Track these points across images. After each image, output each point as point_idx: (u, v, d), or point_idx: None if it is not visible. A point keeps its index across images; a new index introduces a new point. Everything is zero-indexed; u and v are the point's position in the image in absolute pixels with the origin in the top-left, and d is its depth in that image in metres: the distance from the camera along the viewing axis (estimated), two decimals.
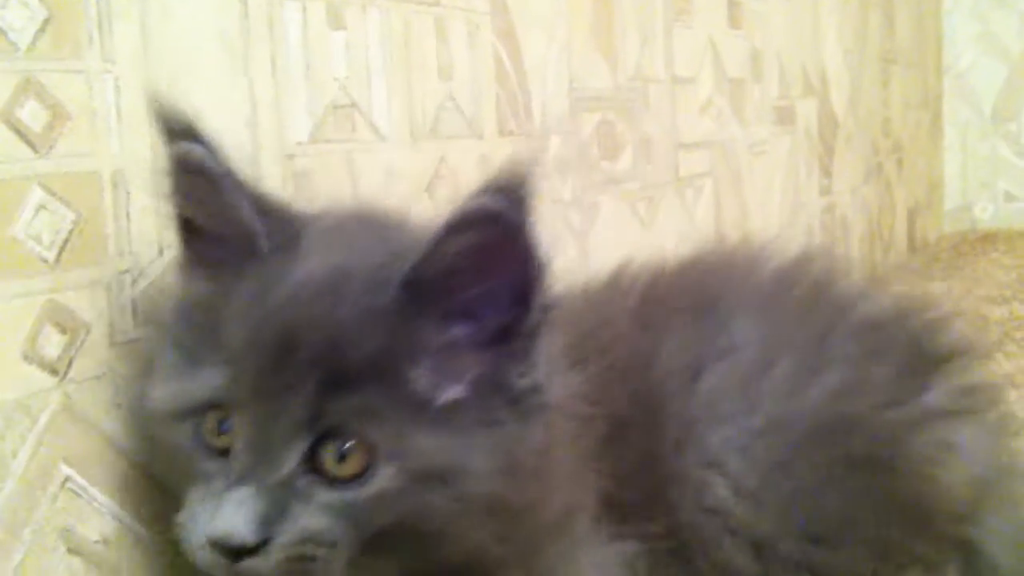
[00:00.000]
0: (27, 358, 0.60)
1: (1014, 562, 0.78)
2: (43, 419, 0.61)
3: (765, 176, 1.77)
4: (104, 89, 0.64)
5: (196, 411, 0.56)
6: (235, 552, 0.52)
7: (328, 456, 0.54)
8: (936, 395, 0.78)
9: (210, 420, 0.55)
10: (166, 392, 0.57)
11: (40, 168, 0.60)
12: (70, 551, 0.62)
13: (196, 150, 0.56)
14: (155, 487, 0.66)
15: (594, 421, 0.65)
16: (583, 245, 1.21)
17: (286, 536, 0.53)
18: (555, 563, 0.64)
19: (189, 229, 0.61)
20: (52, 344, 0.61)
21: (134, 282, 0.67)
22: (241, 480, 0.53)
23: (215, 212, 0.58)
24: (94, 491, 0.64)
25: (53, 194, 0.61)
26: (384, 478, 0.54)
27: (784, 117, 1.85)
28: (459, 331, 0.57)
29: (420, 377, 0.55)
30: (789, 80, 1.88)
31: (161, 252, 0.68)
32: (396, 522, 0.54)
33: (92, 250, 0.64)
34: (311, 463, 0.54)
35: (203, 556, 0.53)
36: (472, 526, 0.56)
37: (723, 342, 0.78)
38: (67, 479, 0.62)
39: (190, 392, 0.56)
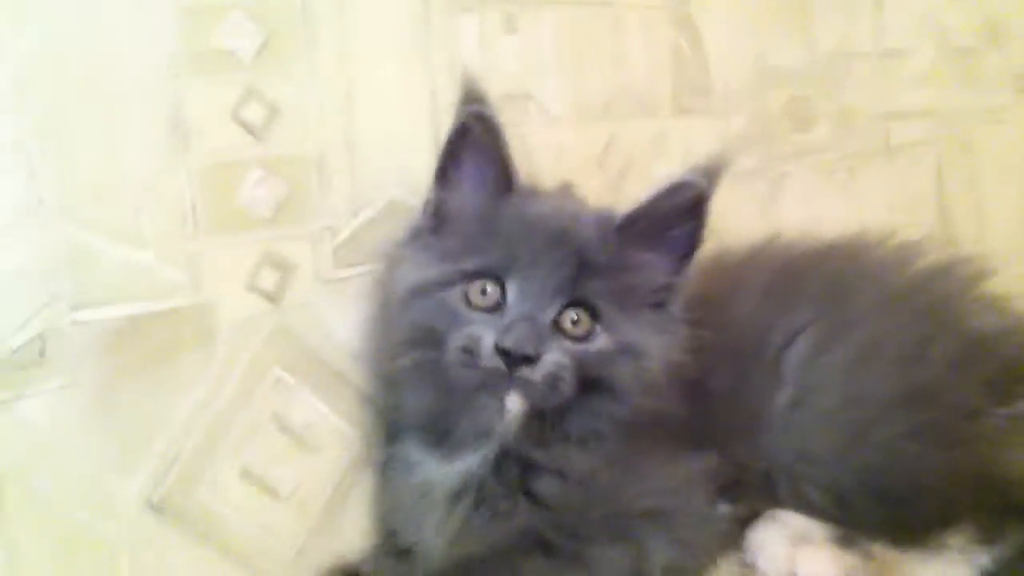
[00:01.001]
0: (250, 289, 0.83)
1: None
2: (262, 334, 0.84)
3: (1003, 146, 1.76)
4: (310, 90, 0.86)
5: (468, 277, 0.78)
6: (517, 359, 0.74)
7: (568, 317, 0.78)
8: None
9: (478, 284, 0.78)
10: (435, 271, 0.80)
11: (259, 152, 0.83)
12: (280, 429, 0.85)
13: (489, 108, 0.79)
14: (350, 388, 0.88)
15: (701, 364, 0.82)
16: (769, 214, 1.32)
17: (549, 357, 0.76)
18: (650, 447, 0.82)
19: (446, 179, 0.83)
20: (269, 280, 0.84)
21: (333, 236, 0.88)
22: (521, 317, 0.76)
23: (485, 158, 0.81)
24: (300, 388, 0.86)
25: (270, 170, 0.84)
26: (600, 341, 0.79)
27: None
28: (651, 261, 0.81)
29: (628, 284, 0.80)
30: None
31: (356, 214, 0.90)
32: (600, 375, 0.79)
33: (301, 212, 0.86)
34: (555, 324, 0.77)
35: (487, 360, 0.75)
36: (639, 388, 0.80)
37: (836, 328, 0.89)
38: (279, 379, 0.86)
39: (466, 266, 0.79)
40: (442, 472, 0.83)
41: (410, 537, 0.85)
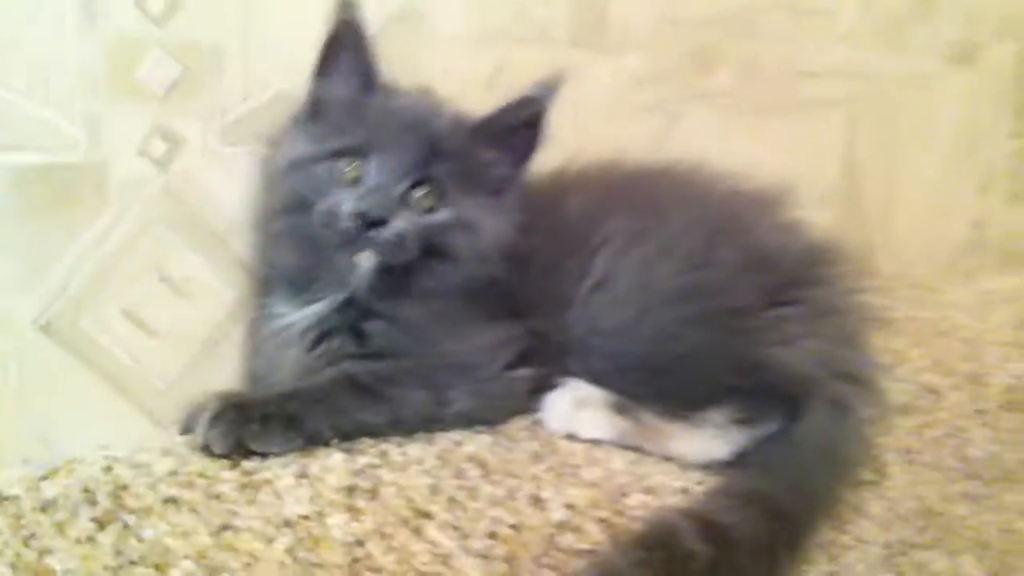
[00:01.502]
0: (141, 154, 0.99)
1: (817, 440, 0.94)
2: (149, 194, 1.00)
3: (925, 111, 1.88)
4: None
5: (336, 154, 0.94)
6: (369, 223, 0.91)
7: (417, 192, 0.94)
8: (795, 308, 1.00)
9: (344, 161, 0.94)
10: (309, 148, 0.95)
11: (159, 35, 0.99)
12: (160, 279, 1.02)
13: (358, 16, 0.96)
14: (227, 250, 1.04)
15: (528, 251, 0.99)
16: (664, 149, 1.45)
17: (396, 223, 0.92)
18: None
19: (323, 74, 0.99)
20: (159, 149, 1.00)
21: (223, 116, 1.04)
22: (375, 188, 0.92)
23: (354, 58, 0.97)
24: (181, 245, 1.03)
25: (167, 52, 0.99)
26: (442, 215, 0.95)
27: (962, 56, 1.93)
28: (495, 157, 0.99)
29: (471, 171, 0.97)
30: (977, 20, 1.94)
31: (245, 99, 1.05)
32: (440, 242, 0.95)
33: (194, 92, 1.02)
34: (405, 196, 0.93)
35: (344, 222, 0.92)
36: (472, 258, 0.97)
37: (644, 232, 1.04)
38: (162, 235, 1.02)
39: (334, 145, 0.94)
40: (298, 316, 0.99)
41: (270, 378, 1.01)
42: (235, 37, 1.02)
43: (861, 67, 1.73)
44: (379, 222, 0.92)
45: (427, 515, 0.84)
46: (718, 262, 1.00)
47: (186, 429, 0.94)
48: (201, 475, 0.85)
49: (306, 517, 0.81)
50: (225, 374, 1.05)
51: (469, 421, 0.97)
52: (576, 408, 0.98)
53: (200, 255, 1.02)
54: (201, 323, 1.04)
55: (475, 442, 0.96)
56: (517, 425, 1.00)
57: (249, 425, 0.86)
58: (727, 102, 1.52)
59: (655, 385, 0.98)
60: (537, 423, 1.01)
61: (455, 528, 0.83)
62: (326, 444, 0.90)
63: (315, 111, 0.99)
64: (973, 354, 1.34)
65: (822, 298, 1.01)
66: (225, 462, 0.87)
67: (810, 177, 1.69)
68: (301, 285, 0.99)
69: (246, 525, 0.79)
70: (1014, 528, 1.31)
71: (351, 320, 0.97)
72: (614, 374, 0.98)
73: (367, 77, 0.98)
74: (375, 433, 0.93)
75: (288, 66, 1.04)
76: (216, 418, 0.86)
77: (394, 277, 0.96)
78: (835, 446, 0.95)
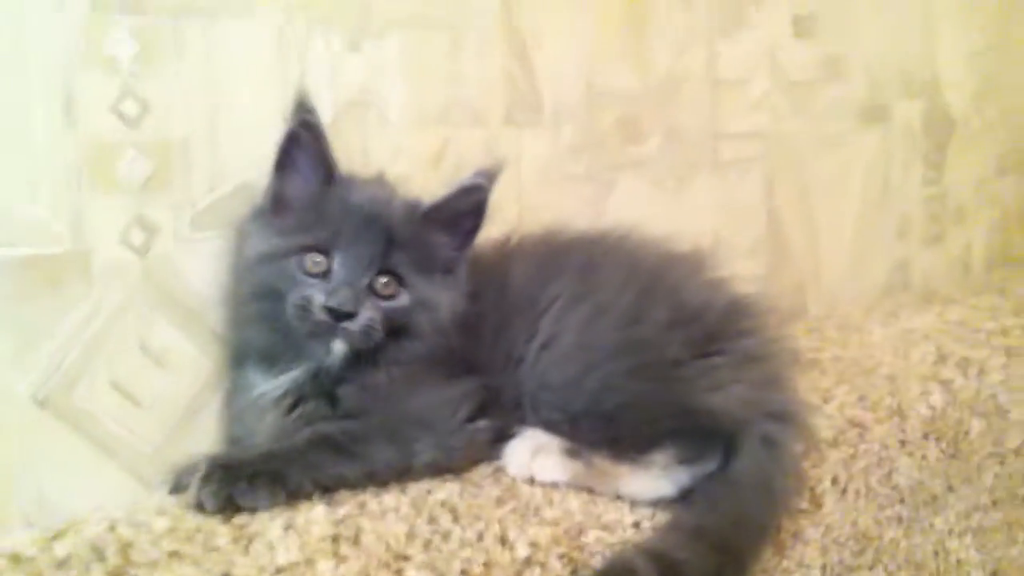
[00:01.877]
0: (122, 242, 1.09)
1: (752, 477, 1.05)
2: (131, 277, 1.09)
3: (840, 166, 2.03)
4: (177, 90, 1.12)
5: (303, 250, 1.03)
6: (340, 315, 1.01)
7: (380, 282, 1.04)
8: (723, 358, 1.13)
9: (310, 256, 1.03)
10: (276, 243, 1.04)
11: (133, 137, 1.09)
12: (142, 351, 1.11)
13: (315, 116, 1.05)
14: (200, 324, 1.14)
15: (480, 316, 1.10)
16: (598, 216, 1.57)
17: (365, 313, 1.02)
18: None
19: (282, 170, 1.07)
20: (138, 238, 1.10)
21: (192, 206, 1.14)
22: (343, 284, 1.02)
23: (313, 156, 1.06)
24: (159, 321, 1.12)
25: (141, 152, 1.09)
26: (403, 299, 1.05)
27: (872, 115, 2.09)
28: (444, 239, 1.09)
29: (425, 255, 1.06)
30: (882, 82, 2.11)
31: (212, 191, 1.15)
32: (403, 323, 1.06)
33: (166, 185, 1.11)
34: (370, 286, 1.02)
35: (318, 315, 1.02)
36: (432, 332, 1.08)
37: (582, 295, 1.16)
38: (142, 312, 1.11)
39: (300, 242, 1.03)
40: (271, 385, 1.09)
41: (250, 440, 1.10)
42: (201, 135, 1.11)
43: (775, 129, 1.86)
44: (349, 315, 1.03)
45: (406, 557, 0.93)
46: (649, 319, 1.11)
47: (174, 488, 1.03)
48: (198, 530, 0.93)
49: (296, 564, 0.89)
50: (206, 438, 1.14)
51: (436, 470, 1.07)
52: (533, 455, 1.08)
53: (178, 330, 1.11)
54: (182, 392, 1.12)
55: (444, 489, 1.05)
56: (481, 472, 1.10)
57: (237, 484, 0.95)
58: (655, 167, 1.64)
59: (602, 432, 1.09)
60: (499, 470, 1.10)
61: (432, 568, 0.92)
62: (308, 497, 1.00)
63: (277, 205, 1.09)
64: (895, 389, 1.46)
65: (746, 347, 1.14)
66: (218, 518, 0.95)
67: (739, 230, 1.82)
68: (272, 358, 1.09)
69: (243, 573, 0.87)
70: (945, 548, 1.43)
71: (323, 387, 1.07)
72: (565, 423, 1.09)
73: (325, 172, 1.08)
74: (352, 485, 1.02)
75: (249, 159, 1.14)
76: (206, 478, 0.95)
77: (362, 355, 1.07)
78: (769, 479, 1.06)
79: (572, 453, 1.08)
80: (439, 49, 1.34)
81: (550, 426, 1.10)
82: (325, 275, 1.03)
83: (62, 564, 0.88)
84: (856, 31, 1.99)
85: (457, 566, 0.94)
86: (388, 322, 1.03)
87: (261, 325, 1.07)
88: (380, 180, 1.15)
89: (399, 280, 1.05)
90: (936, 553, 1.47)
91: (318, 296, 1.01)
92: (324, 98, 1.21)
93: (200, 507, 0.94)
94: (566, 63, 1.51)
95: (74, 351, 1.05)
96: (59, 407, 1.05)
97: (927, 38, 2.18)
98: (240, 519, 0.96)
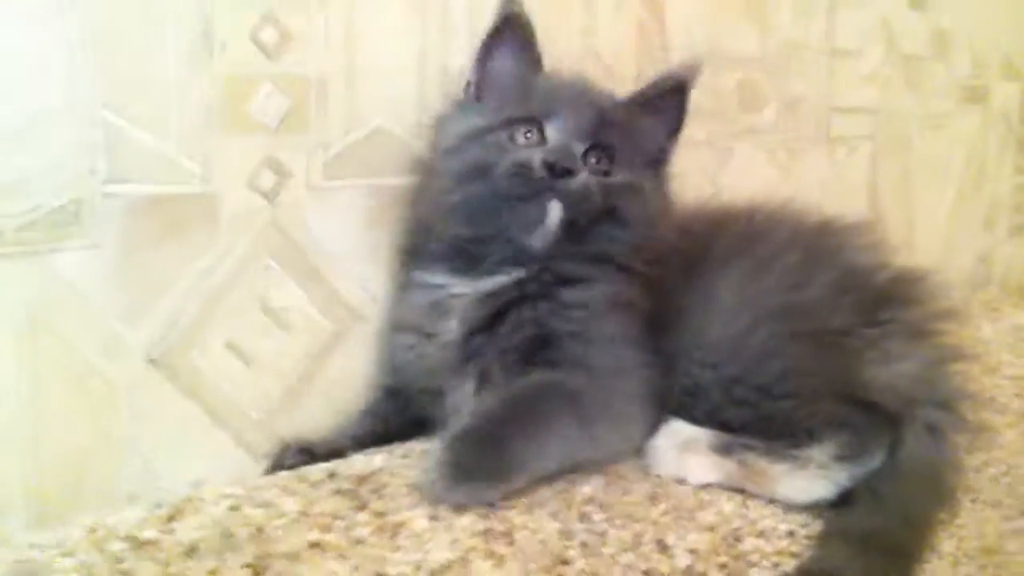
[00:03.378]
0: (251, 187, 0.99)
1: (920, 469, 0.97)
2: (257, 226, 0.99)
3: (942, 148, 1.94)
4: (319, 23, 1.01)
5: (514, 122, 0.99)
6: (560, 171, 0.95)
7: (592, 155, 0.99)
8: (894, 326, 1.03)
9: (522, 127, 0.99)
10: (484, 121, 1.00)
11: (271, 69, 0.98)
12: (262, 309, 1.01)
13: (520, 6, 1.01)
14: (325, 283, 1.04)
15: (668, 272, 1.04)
16: (715, 182, 1.48)
17: (583, 175, 0.97)
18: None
19: (483, 62, 1.03)
20: (268, 181, 1.00)
21: (325, 150, 1.03)
22: (560, 145, 0.97)
23: (520, 44, 1.02)
24: (284, 277, 1.02)
25: (277, 86, 0.99)
26: (616, 177, 1.00)
27: (973, 96, 2.00)
28: (649, 129, 1.04)
29: (633, 142, 1.02)
30: (984, 62, 2.01)
31: (347, 134, 1.05)
32: (615, 203, 0.99)
33: (300, 126, 1.01)
34: (584, 158, 0.98)
35: (538, 171, 0.95)
36: (641, 221, 1.01)
37: (738, 251, 1.07)
38: (268, 266, 1.01)
39: (510, 114, 0.99)
40: (466, 288, 1.01)
41: (413, 353, 1.03)
42: (339, 72, 1.01)
43: (883, 104, 1.78)
44: (568, 172, 0.96)
45: (565, 561, 0.84)
46: (816, 281, 1.03)
47: (276, 465, 0.95)
48: (335, 516, 0.85)
49: (452, 563, 0.81)
50: (317, 408, 1.04)
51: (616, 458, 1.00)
52: (682, 452, 0.99)
53: (301, 288, 1.02)
54: (298, 356, 1.02)
55: (589, 483, 0.97)
56: (625, 465, 1.01)
57: (498, 478, 0.88)
58: (771, 138, 1.55)
59: (757, 408, 0.99)
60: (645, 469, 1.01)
61: (593, 575, 0.83)
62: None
63: (480, 93, 1.03)
64: (1022, 391, 1.38)
65: (918, 318, 1.04)
66: (350, 501, 0.86)
67: (840, 208, 1.73)
68: (472, 259, 1.01)
69: (397, 572, 0.78)
70: None
71: (543, 286, 1.00)
72: (716, 390, 1.00)
73: (532, 59, 1.04)
74: (569, 471, 0.95)
75: (389, 102, 1.04)
76: (456, 476, 0.87)
77: (574, 233, 0.98)
78: (937, 473, 0.98)
79: (724, 449, 1.00)
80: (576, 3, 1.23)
81: (700, 404, 1.01)
82: (539, 144, 0.98)
83: (192, 551, 0.79)
84: (964, 4, 1.89)
85: (619, 572, 0.85)
86: (603, 196, 0.97)
87: (465, 212, 0.98)
88: (580, 75, 1.09)
89: (610, 158, 1.00)
90: None
91: (537, 154, 0.96)
92: (463, 43, 1.11)
93: (439, 500, 0.86)
94: (693, 22, 1.40)
95: (193, 306, 0.95)
96: (172, 366, 0.95)
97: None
98: (376, 502, 0.87)
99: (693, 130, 1.38)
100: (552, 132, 0.98)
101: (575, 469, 0.95)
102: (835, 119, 1.69)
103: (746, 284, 1.03)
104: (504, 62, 1.01)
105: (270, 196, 0.98)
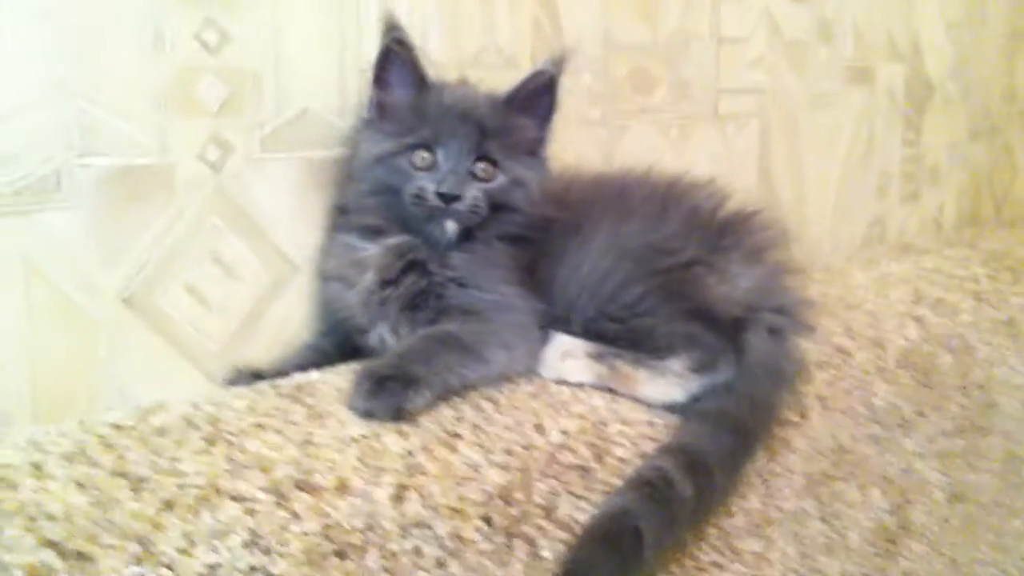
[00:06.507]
0: (199, 159, 1.22)
1: (763, 360, 1.19)
2: (206, 191, 1.22)
3: (828, 124, 2.17)
4: (252, 25, 1.24)
5: (412, 148, 1.18)
6: (449, 199, 1.16)
7: (479, 167, 1.19)
8: (733, 253, 1.29)
9: (418, 153, 1.18)
10: (387, 146, 1.19)
11: (213, 63, 1.21)
12: (214, 261, 1.24)
13: (405, 33, 1.19)
14: (265, 238, 1.27)
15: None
16: (610, 158, 1.71)
17: (469, 194, 1.17)
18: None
19: (381, 83, 1.20)
20: (214, 154, 1.23)
21: (261, 129, 1.27)
22: (449, 172, 1.17)
23: (407, 68, 1.20)
24: (229, 233, 1.25)
25: (219, 77, 1.22)
26: (500, 180, 1.20)
27: (859, 77, 2.23)
28: (526, 123, 1.23)
29: (513, 140, 1.21)
30: (869, 45, 2.25)
31: (278, 115, 1.28)
32: (502, 201, 1.20)
33: (240, 109, 1.24)
34: (471, 172, 1.17)
35: (432, 201, 1.17)
36: (526, 205, 1.24)
37: (610, 207, 1.32)
38: (215, 224, 1.24)
39: (408, 141, 1.18)
40: (377, 248, 1.25)
41: (341, 300, 1.27)
42: (270, 64, 1.24)
43: (769, 86, 2.00)
44: (457, 197, 1.18)
45: (458, 435, 1.07)
46: (668, 225, 1.28)
47: (230, 383, 1.19)
48: (276, 408, 1.07)
49: (366, 436, 1.03)
50: (265, 344, 1.27)
51: (523, 373, 1.22)
52: (562, 358, 1.22)
53: (244, 243, 1.24)
54: (247, 299, 1.25)
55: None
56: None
57: (406, 393, 1.08)
58: (662, 116, 1.78)
59: (624, 328, 1.23)
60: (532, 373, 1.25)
61: (480, 446, 1.06)
62: (444, 399, 1.14)
63: (381, 114, 1.24)
64: (876, 322, 1.62)
65: (751, 244, 1.30)
66: (289, 400, 1.09)
67: (732, 179, 1.95)
68: (382, 232, 1.25)
69: (322, 441, 1.01)
70: (912, 468, 1.59)
71: (429, 255, 1.24)
72: (594, 319, 1.24)
73: (419, 80, 1.24)
74: (470, 387, 1.17)
75: (311, 88, 1.27)
76: (373, 392, 1.07)
77: (470, 235, 1.23)
78: (778, 364, 1.22)
79: (597, 357, 1.22)
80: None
81: (577, 313, 1.25)
82: (432, 167, 1.18)
83: (161, 431, 1.01)
84: None
85: (501, 445, 1.08)
86: (489, 200, 1.18)
87: (378, 215, 1.22)
88: (465, 82, 1.31)
89: (494, 164, 1.19)
90: (905, 471, 1.63)
91: (430, 185, 1.16)
92: (374, 39, 1.33)
93: (370, 416, 1.04)
94: (587, 16, 1.63)
95: (156, 256, 1.18)
96: (141, 306, 1.17)
97: (909, 6, 2.33)
98: (311, 400, 1.09)
99: (588, 110, 1.63)
100: (442, 158, 1.18)
101: (473, 387, 1.17)
102: (723, 99, 1.91)
103: (614, 230, 1.27)
104: (396, 85, 1.20)
105: (216, 167, 1.20)
